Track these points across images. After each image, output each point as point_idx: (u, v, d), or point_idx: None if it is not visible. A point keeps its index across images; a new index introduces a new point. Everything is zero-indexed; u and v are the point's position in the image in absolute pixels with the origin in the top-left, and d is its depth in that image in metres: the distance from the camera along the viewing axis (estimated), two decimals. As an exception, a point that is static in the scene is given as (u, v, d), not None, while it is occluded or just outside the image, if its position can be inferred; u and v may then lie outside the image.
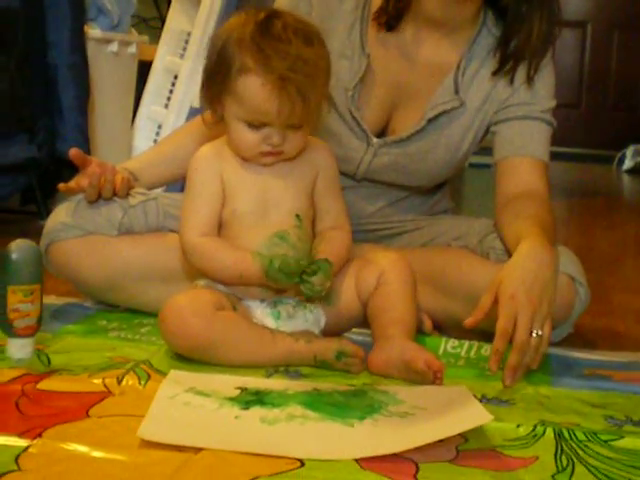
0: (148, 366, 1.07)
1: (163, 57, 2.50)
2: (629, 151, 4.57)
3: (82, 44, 2.23)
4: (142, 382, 1.02)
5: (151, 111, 2.49)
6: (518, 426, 0.93)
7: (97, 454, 0.82)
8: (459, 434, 0.89)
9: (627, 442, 0.90)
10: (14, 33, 2.05)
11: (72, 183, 1.27)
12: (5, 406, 0.93)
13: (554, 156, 1.36)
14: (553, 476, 0.83)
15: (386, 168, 1.37)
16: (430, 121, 1.33)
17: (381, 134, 1.36)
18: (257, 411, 0.94)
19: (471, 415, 0.92)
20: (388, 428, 0.91)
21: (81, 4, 2.24)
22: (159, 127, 2.47)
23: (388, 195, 1.42)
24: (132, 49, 2.48)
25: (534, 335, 1.06)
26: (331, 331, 1.18)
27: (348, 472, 0.81)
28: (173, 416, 0.92)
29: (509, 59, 1.31)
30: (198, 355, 1.09)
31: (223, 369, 1.08)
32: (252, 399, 0.97)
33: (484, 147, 1.42)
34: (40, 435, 0.85)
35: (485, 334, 1.15)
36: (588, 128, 5.03)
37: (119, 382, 1.01)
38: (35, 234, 1.26)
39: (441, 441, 0.86)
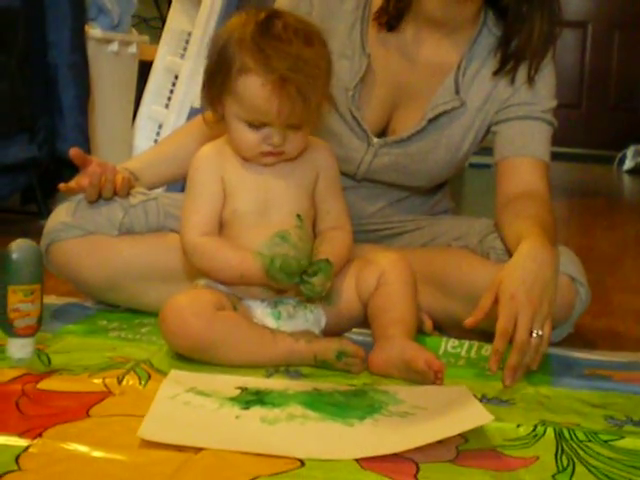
0: (148, 366, 1.07)
1: (163, 57, 2.50)
2: (630, 151, 4.57)
3: (82, 44, 2.23)
4: (142, 382, 1.02)
5: (152, 111, 2.49)
6: (518, 426, 0.93)
7: (97, 454, 0.82)
8: (459, 434, 0.89)
9: (627, 442, 0.90)
10: (14, 33, 2.05)
11: (72, 183, 1.27)
12: (5, 406, 0.93)
13: (554, 156, 1.36)
14: (553, 476, 0.83)
15: (386, 168, 1.37)
16: (431, 121, 1.33)
17: (381, 134, 1.36)
18: (257, 411, 0.94)
19: (471, 415, 0.92)
20: (388, 428, 0.91)
21: (81, 4, 2.24)
22: (159, 127, 2.47)
23: (388, 195, 1.42)
24: (132, 49, 2.48)
25: (534, 335, 1.06)
26: (331, 331, 1.18)
27: (348, 472, 0.81)
28: (173, 416, 0.92)
29: (510, 59, 1.31)
30: (198, 355, 1.09)
31: (223, 369, 1.08)
32: (252, 399, 0.97)
33: (484, 147, 1.42)
34: (40, 435, 0.85)
35: (485, 334, 1.15)
36: (588, 128, 5.03)
37: (119, 382, 1.01)
38: (35, 234, 1.26)
39: (441, 441, 0.86)
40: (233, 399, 0.97)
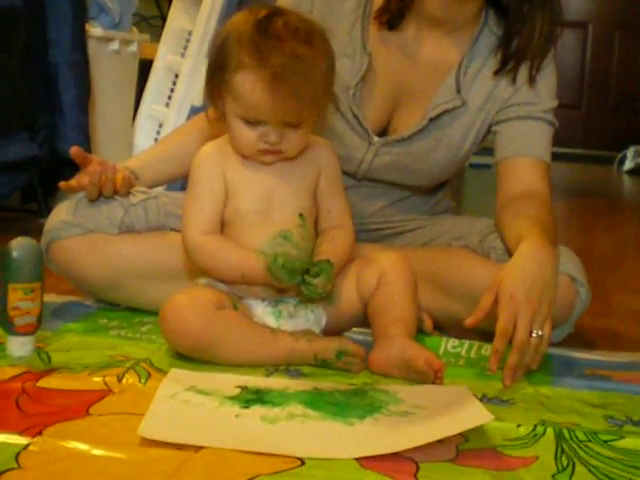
0: (148, 364, 1.07)
1: (164, 56, 2.49)
2: (630, 152, 4.57)
3: (83, 42, 2.23)
4: (142, 380, 1.02)
5: (152, 110, 2.49)
6: (518, 426, 0.93)
7: (97, 452, 0.82)
8: (459, 433, 0.89)
9: (627, 442, 0.90)
10: (15, 31, 2.05)
11: (73, 181, 1.27)
12: (5, 404, 0.93)
13: (555, 157, 1.36)
14: (553, 476, 0.83)
15: (387, 167, 1.37)
16: (432, 120, 1.33)
17: (382, 133, 1.36)
18: (257, 410, 0.94)
19: (471, 415, 0.92)
20: (388, 427, 0.91)
21: (82, 2, 2.24)
22: (160, 126, 2.46)
23: (389, 195, 1.42)
24: (133, 48, 2.48)
25: (534, 335, 1.06)
26: (332, 330, 1.18)
27: (348, 471, 0.81)
28: (173, 414, 0.92)
29: (511, 59, 1.31)
30: (198, 354, 1.09)
31: (223, 368, 1.08)
32: (252, 398, 0.97)
33: (484, 147, 1.42)
34: (40, 433, 0.85)
35: (485, 334, 1.15)
36: (589, 129, 5.03)
37: (119, 380, 1.01)
38: (36, 232, 1.26)
39: (441, 440, 0.86)
40: (233, 398, 0.97)
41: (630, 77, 4.96)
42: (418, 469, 0.82)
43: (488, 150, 1.41)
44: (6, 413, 0.91)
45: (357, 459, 0.83)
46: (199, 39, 2.37)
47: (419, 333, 1.22)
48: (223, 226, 1.17)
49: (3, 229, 1.97)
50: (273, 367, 1.10)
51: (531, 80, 1.32)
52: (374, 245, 1.37)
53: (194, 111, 2.31)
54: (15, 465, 0.79)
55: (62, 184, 1.27)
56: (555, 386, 1.09)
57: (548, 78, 1.33)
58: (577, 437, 0.91)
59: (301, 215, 1.17)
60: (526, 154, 1.32)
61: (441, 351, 1.21)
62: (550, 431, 0.92)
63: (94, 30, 2.33)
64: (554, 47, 1.33)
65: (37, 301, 1.08)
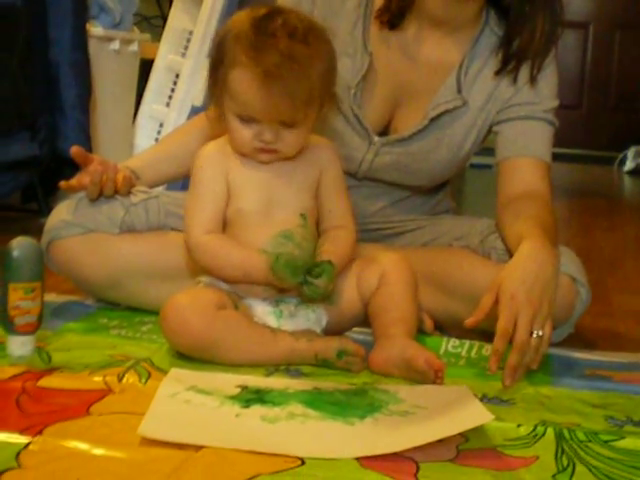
0: (149, 364, 1.07)
1: (165, 55, 2.50)
2: (630, 152, 4.56)
3: (84, 42, 2.23)
4: (143, 380, 1.02)
5: (152, 109, 2.49)
6: (519, 426, 0.93)
7: (98, 451, 0.82)
8: (460, 433, 0.89)
9: (628, 442, 0.90)
10: (16, 30, 2.05)
11: (73, 181, 1.27)
12: (6, 403, 0.93)
13: (555, 157, 1.36)
14: (554, 476, 0.83)
15: (388, 167, 1.37)
16: (432, 120, 1.33)
17: (383, 133, 1.36)
18: (258, 409, 0.94)
19: (472, 414, 0.92)
20: (389, 427, 0.91)
21: (83, 2, 2.24)
22: (160, 126, 2.47)
23: (389, 195, 1.42)
24: (134, 47, 2.48)
25: (534, 335, 1.06)
26: (332, 330, 1.18)
27: (349, 471, 0.81)
28: (174, 414, 0.92)
29: (512, 59, 1.31)
30: (199, 354, 1.09)
31: (224, 368, 1.08)
32: (253, 397, 0.97)
33: (485, 147, 1.42)
34: (41, 432, 0.85)
35: (486, 334, 1.15)
36: (589, 129, 5.03)
37: (120, 380, 1.01)
38: (36, 232, 1.26)
39: (442, 440, 0.86)
40: (233, 397, 0.97)
41: (631, 77, 4.96)
42: (418, 469, 0.82)
43: (489, 150, 1.41)
44: (6, 412, 0.91)
45: (357, 459, 0.83)
46: (200, 39, 2.37)
47: (419, 333, 1.22)
48: (225, 226, 1.17)
49: (3, 228, 1.97)
50: (273, 367, 1.10)
51: (532, 80, 1.32)
52: (375, 245, 1.37)
53: (195, 111, 2.31)
54: (15, 464, 0.79)
55: (63, 184, 1.27)
56: (555, 386, 1.09)
57: (549, 78, 1.33)
58: (577, 437, 0.91)
59: (303, 215, 1.17)
60: (527, 154, 1.32)
61: (441, 351, 1.21)
62: (550, 431, 0.92)
63: (95, 30, 2.33)
64: (555, 47, 1.33)
65: (37, 300, 1.08)
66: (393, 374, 1.08)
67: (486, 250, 1.28)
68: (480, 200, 3.04)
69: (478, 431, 0.90)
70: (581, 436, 0.91)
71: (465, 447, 0.88)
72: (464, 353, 1.21)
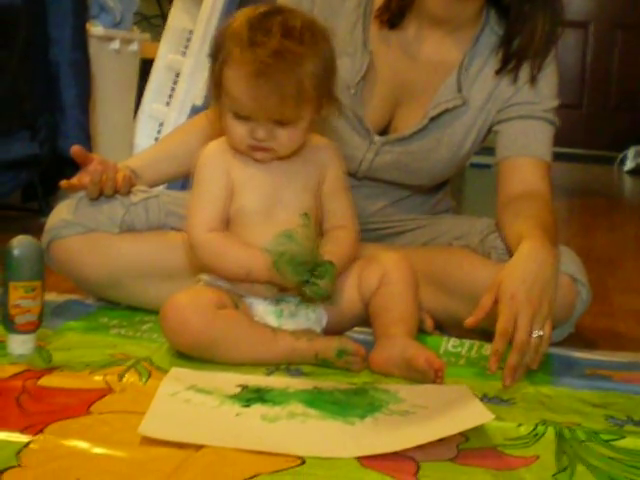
0: (149, 363, 1.07)
1: (165, 55, 2.50)
2: (631, 152, 4.56)
3: (84, 41, 2.23)
4: (143, 379, 1.02)
5: (152, 109, 2.49)
6: (519, 425, 0.93)
7: (98, 450, 0.82)
8: (460, 433, 0.89)
9: (628, 442, 0.90)
10: (16, 30, 2.05)
11: (74, 180, 1.27)
12: (6, 402, 0.93)
13: (555, 157, 1.36)
14: (554, 475, 0.83)
15: (388, 166, 1.37)
16: (433, 119, 1.33)
17: (383, 132, 1.36)
18: (258, 409, 0.94)
19: (472, 414, 0.92)
20: (389, 426, 0.91)
21: (83, 1, 2.24)
22: (160, 125, 2.47)
23: (389, 194, 1.42)
24: (134, 47, 2.48)
25: (534, 335, 1.06)
26: (333, 330, 1.18)
27: (349, 470, 0.81)
28: (174, 413, 0.92)
29: (512, 58, 1.31)
30: (199, 353, 1.09)
31: (224, 367, 1.08)
32: (253, 397, 0.97)
33: (485, 147, 1.42)
34: (41, 431, 0.85)
35: (486, 333, 1.15)
36: (590, 129, 5.03)
37: (120, 379, 1.01)
38: (36, 231, 1.26)
39: (442, 440, 0.86)
40: (234, 397, 0.97)
41: (631, 77, 4.96)
42: (419, 468, 0.82)
43: (489, 150, 1.40)
44: (7, 411, 0.91)
45: (358, 458, 0.83)
46: (200, 38, 2.37)
47: (420, 333, 1.22)
48: (227, 225, 1.17)
49: (4, 228, 1.97)
50: (274, 366, 1.10)
51: (532, 79, 1.32)
52: (377, 245, 1.37)
53: (195, 110, 2.31)
54: (16, 463, 0.79)
55: (63, 183, 1.27)
56: (556, 386, 1.09)
57: (549, 77, 1.33)
58: (578, 437, 0.91)
59: (305, 215, 1.17)
60: (527, 154, 1.32)
61: (442, 350, 1.21)
62: (551, 431, 0.92)
63: (95, 29, 2.33)
64: (555, 47, 1.33)
65: (38, 299, 1.08)
66: (393, 374, 1.08)
67: (486, 249, 1.28)
68: (480, 199, 3.04)
69: (478, 430, 0.90)
70: (581, 436, 0.91)
71: (465, 446, 0.88)
72: (464, 352, 1.21)
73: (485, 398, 1.02)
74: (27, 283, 1.06)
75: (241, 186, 1.16)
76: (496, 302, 1.08)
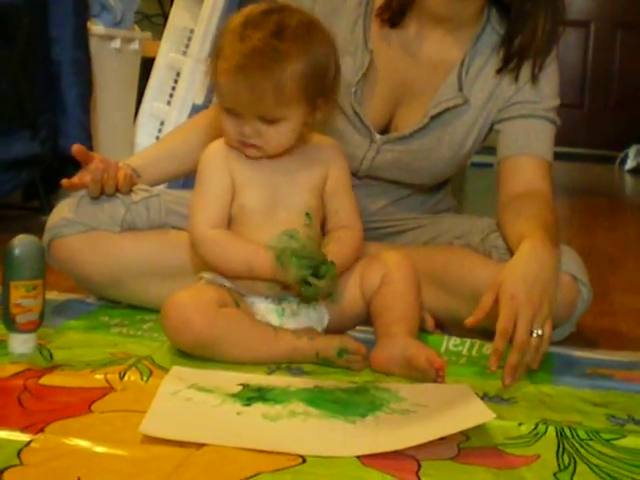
0: (150, 362, 1.07)
1: (166, 54, 2.50)
2: (632, 151, 4.56)
3: (85, 40, 2.23)
4: (144, 378, 1.02)
5: (153, 108, 2.49)
6: (520, 424, 0.93)
7: (99, 449, 0.82)
8: (461, 432, 0.89)
9: (629, 441, 0.90)
10: (17, 29, 2.05)
11: (75, 179, 1.27)
12: (7, 401, 0.93)
13: (556, 156, 1.36)
14: (555, 474, 0.83)
15: (389, 165, 1.37)
16: (433, 118, 1.33)
17: (384, 131, 1.36)
18: (259, 407, 0.94)
19: (473, 413, 0.92)
20: (390, 425, 0.91)
21: (84, 0, 2.24)
22: (161, 124, 2.47)
23: (390, 193, 1.42)
24: (135, 46, 2.48)
25: (534, 335, 1.06)
26: (335, 329, 1.18)
27: (350, 469, 0.81)
28: (175, 412, 0.92)
29: (513, 57, 1.31)
30: (200, 351, 1.09)
31: (225, 366, 1.08)
32: (254, 395, 0.97)
33: (486, 146, 1.42)
34: (42, 430, 0.85)
35: (487, 332, 1.15)
36: (590, 128, 5.03)
37: (121, 378, 1.01)
38: (37, 230, 1.26)
39: (443, 439, 0.86)
40: (235, 395, 0.97)
41: (632, 76, 4.95)
42: (420, 467, 0.82)
43: (490, 149, 1.40)
44: (8, 410, 0.91)
45: (359, 457, 0.83)
46: (201, 37, 2.37)
47: (421, 332, 1.22)
48: (229, 223, 1.17)
49: (5, 227, 1.97)
50: (275, 365, 1.10)
51: (533, 78, 1.32)
52: (379, 244, 1.37)
53: (196, 109, 2.31)
54: (17, 462, 0.79)
55: (64, 182, 1.27)
56: (556, 385, 1.09)
57: (550, 76, 1.33)
58: (579, 436, 0.91)
59: (308, 214, 1.17)
60: (528, 153, 1.32)
61: (442, 349, 1.21)
62: (552, 430, 0.92)
63: (96, 28, 2.33)
64: (556, 46, 1.33)
65: (39, 298, 1.08)
66: (394, 372, 1.09)
67: (487, 249, 1.28)
68: (481, 199, 3.04)
69: (479, 429, 0.90)
70: (582, 434, 0.91)
71: (466, 445, 0.88)
72: (465, 352, 1.21)
73: (486, 397, 1.02)
74: (28, 282, 1.06)
75: (243, 185, 1.17)
76: (496, 302, 1.08)
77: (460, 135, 1.35)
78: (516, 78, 1.32)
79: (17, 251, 1.06)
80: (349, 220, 1.21)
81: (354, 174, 1.37)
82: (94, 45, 2.29)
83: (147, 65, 2.52)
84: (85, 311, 1.30)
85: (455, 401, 0.97)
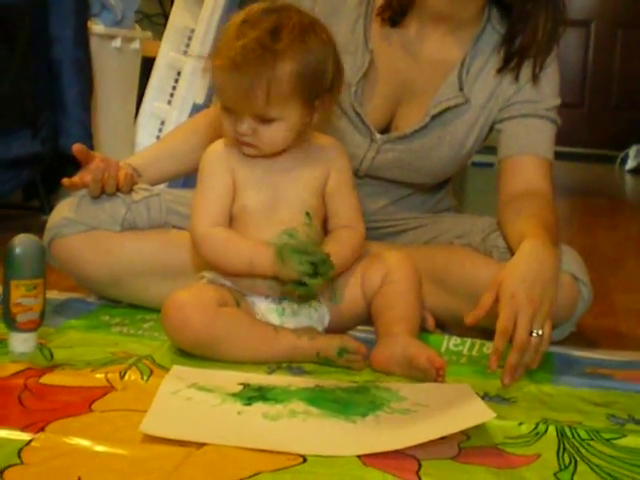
0: (150, 361, 1.07)
1: (166, 53, 2.50)
2: (632, 151, 4.56)
3: (86, 40, 2.23)
4: (144, 377, 1.02)
5: (154, 107, 2.49)
6: (520, 424, 0.93)
7: (100, 448, 0.82)
8: (461, 431, 0.89)
9: (629, 441, 0.90)
10: (18, 28, 2.05)
11: (75, 178, 1.27)
12: (8, 400, 0.93)
13: (557, 156, 1.36)
14: (555, 474, 0.83)
15: (389, 165, 1.36)
16: (434, 118, 1.33)
17: (385, 131, 1.36)
18: (259, 407, 0.94)
19: (473, 412, 0.92)
20: (390, 425, 0.91)
21: (85, 0, 2.24)
22: (162, 123, 2.47)
23: (391, 193, 1.42)
24: (135, 45, 2.48)
25: (534, 335, 1.06)
26: (336, 328, 1.18)
27: (350, 468, 0.81)
28: (175, 411, 0.92)
29: (514, 56, 1.31)
30: (201, 351, 1.09)
31: (226, 365, 1.08)
32: (255, 395, 0.97)
33: (487, 146, 1.42)
34: (43, 429, 0.85)
35: (487, 332, 1.15)
36: (591, 128, 5.03)
37: (122, 377, 1.01)
38: (38, 229, 1.26)
39: (443, 438, 0.86)
40: (235, 395, 0.97)
41: (633, 76, 4.95)
42: (420, 467, 0.82)
43: (490, 148, 1.40)
44: (8, 409, 0.91)
45: (359, 456, 0.83)
46: (201, 36, 2.37)
47: (421, 331, 1.22)
48: (230, 222, 1.17)
49: (5, 226, 1.98)
50: (275, 364, 1.10)
51: (534, 78, 1.32)
52: (380, 243, 1.37)
53: (196, 109, 2.31)
54: (17, 461, 0.79)
55: (65, 181, 1.27)
56: (557, 384, 1.09)
57: (551, 76, 1.33)
58: (579, 435, 0.91)
59: (308, 214, 1.17)
60: (529, 152, 1.32)
61: (443, 349, 1.21)
62: (552, 429, 0.92)
63: (96, 27, 2.33)
64: (557, 45, 1.33)
65: (39, 298, 1.08)
66: (395, 372, 1.08)
67: (488, 248, 1.28)
68: (482, 198, 3.04)
69: (479, 429, 0.90)
70: (583, 434, 0.91)
71: (466, 445, 0.88)
72: (465, 351, 1.21)
73: (486, 397, 1.02)
74: (29, 281, 1.06)
75: (244, 185, 1.17)
76: (497, 301, 1.08)
77: (461, 135, 1.35)
78: (517, 77, 1.32)
79: (18, 250, 1.06)
80: (350, 220, 1.21)
81: (354, 174, 1.37)
82: (95, 44, 2.29)
83: (148, 65, 2.52)
84: (86, 310, 1.30)
85: (455, 401, 0.97)
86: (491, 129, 1.36)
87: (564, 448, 0.88)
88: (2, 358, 1.06)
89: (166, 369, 1.05)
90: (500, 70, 1.33)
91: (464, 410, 0.94)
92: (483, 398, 1.00)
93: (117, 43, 2.40)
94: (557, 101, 1.34)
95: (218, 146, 1.19)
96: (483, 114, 1.34)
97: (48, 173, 2.16)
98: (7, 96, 2.04)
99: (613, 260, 2.17)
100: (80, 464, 0.79)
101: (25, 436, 0.84)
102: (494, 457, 0.86)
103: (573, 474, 0.83)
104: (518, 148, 1.32)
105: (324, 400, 0.96)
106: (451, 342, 1.24)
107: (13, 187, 2.15)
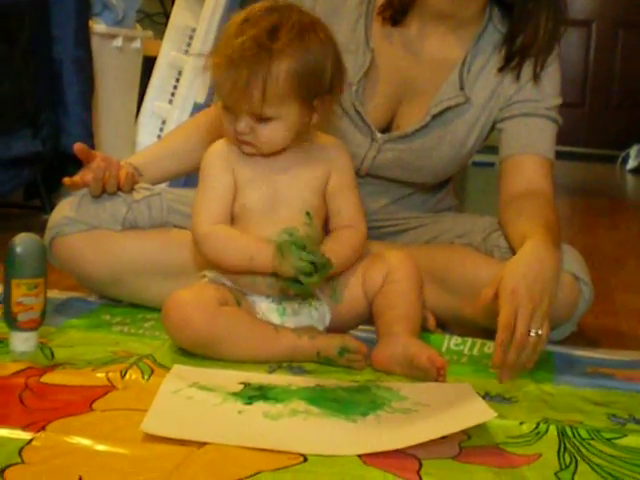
0: (151, 361, 1.07)
1: (167, 53, 2.50)
2: (633, 150, 4.56)
3: (87, 39, 2.23)
4: (145, 376, 1.02)
5: (155, 107, 2.49)
6: (521, 423, 0.93)
7: (100, 447, 0.82)
8: (462, 431, 0.89)
9: (630, 440, 0.90)
10: (19, 28, 2.05)
11: (76, 177, 1.27)
12: (9, 399, 0.93)
13: (558, 155, 1.36)
14: (556, 474, 0.83)
15: (390, 164, 1.36)
16: (435, 117, 1.33)
17: (385, 130, 1.36)
18: (260, 406, 0.94)
19: (474, 412, 0.92)
20: (391, 424, 0.91)
21: (86, -1, 2.25)
22: (163, 123, 2.47)
23: (392, 192, 1.42)
24: (136, 44, 2.48)
25: (532, 334, 1.06)
26: (337, 328, 1.18)
27: (351, 468, 0.81)
28: (176, 410, 0.92)
29: (515, 56, 1.31)
30: (201, 350, 1.09)
31: (226, 364, 1.08)
32: (255, 394, 0.97)
33: (488, 146, 1.42)
34: (44, 428, 0.86)
35: (488, 331, 1.15)
36: (592, 127, 5.02)
37: (122, 376, 1.01)
38: (39, 229, 1.26)
39: (444, 438, 0.86)
40: (236, 394, 0.97)
41: (634, 76, 4.95)
42: (421, 466, 0.82)
43: (491, 148, 1.40)
44: (9, 408, 0.91)
45: (360, 456, 0.83)
46: (202, 36, 2.37)
47: (422, 331, 1.22)
48: (231, 221, 1.17)
49: (6, 225, 1.98)
50: (276, 363, 1.10)
51: (535, 77, 1.32)
52: (381, 243, 1.37)
53: (197, 108, 2.31)
54: (18, 460, 0.79)
55: (66, 180, 1.27)
56: (557, 384, 1.09)
57: (552, 75, 1.33)
58: (580, 435, 0.91)
59: (308, 213, 1.17)
60: (530, 152, 1.31)
61: (444, 349, 1.21)
62: (553, 429, 0.92)
63: (98, 27, 2.33)
64: (558, 45, 1.33)
65: (40, 297, 1.08)
66: (395, 372, 1.08)
67: (489, 248, 1.28)
68: (482, 198, 3.04)
69: (480, 429, 0.90)
70: (584, 434, 0.91)
71: (467, 444, 0.88)
72: (466, 351, 1.21)
73: (487, 396, 1.02)
74: (29, 280, 1.06)
75: (244, 184, 1.17)
76: (496, 297, 1.07)
77: (462, 134, 1.35)
78: (518, 77, 1.32)
79: (19, 249, 1.06)
80: (351, 220, 1.21)
81: (355, 173, 1.37)
82: (96, 44, 2.29)
83: (149, 64, 2.52)
84: (86, 309, 1.31)
85: (456, 400, 0.97)
86: (492, 128, 1.36)
87: (565, 448, 0.88)
88: (3, 357, 1.06)
89: (167, 368, 1.05)
90: (501, 69, 1.32)
91: (465, 410, 0.94)
92: (484, 398, 1.00)
93: (118, 42, 2.40)
94: (558, 100, 1.34)
95: (219, 145, 1.19)
96: (484, 113, 1.34)
97: (49, 172, 2.16)
98: (8, 95, 2.04)
99: (614, 260, 2.17)
100: (81, 463, 0.79)
101: (26, 435, 0.84)
102: (495, 457, 0.86)
103: (574, 474, 0.83)
104: (519, 148, 1.32)
105: (325, 399, 0.96)
106: (452, 342, 1.24)
107: (14, 186, 2.15)
